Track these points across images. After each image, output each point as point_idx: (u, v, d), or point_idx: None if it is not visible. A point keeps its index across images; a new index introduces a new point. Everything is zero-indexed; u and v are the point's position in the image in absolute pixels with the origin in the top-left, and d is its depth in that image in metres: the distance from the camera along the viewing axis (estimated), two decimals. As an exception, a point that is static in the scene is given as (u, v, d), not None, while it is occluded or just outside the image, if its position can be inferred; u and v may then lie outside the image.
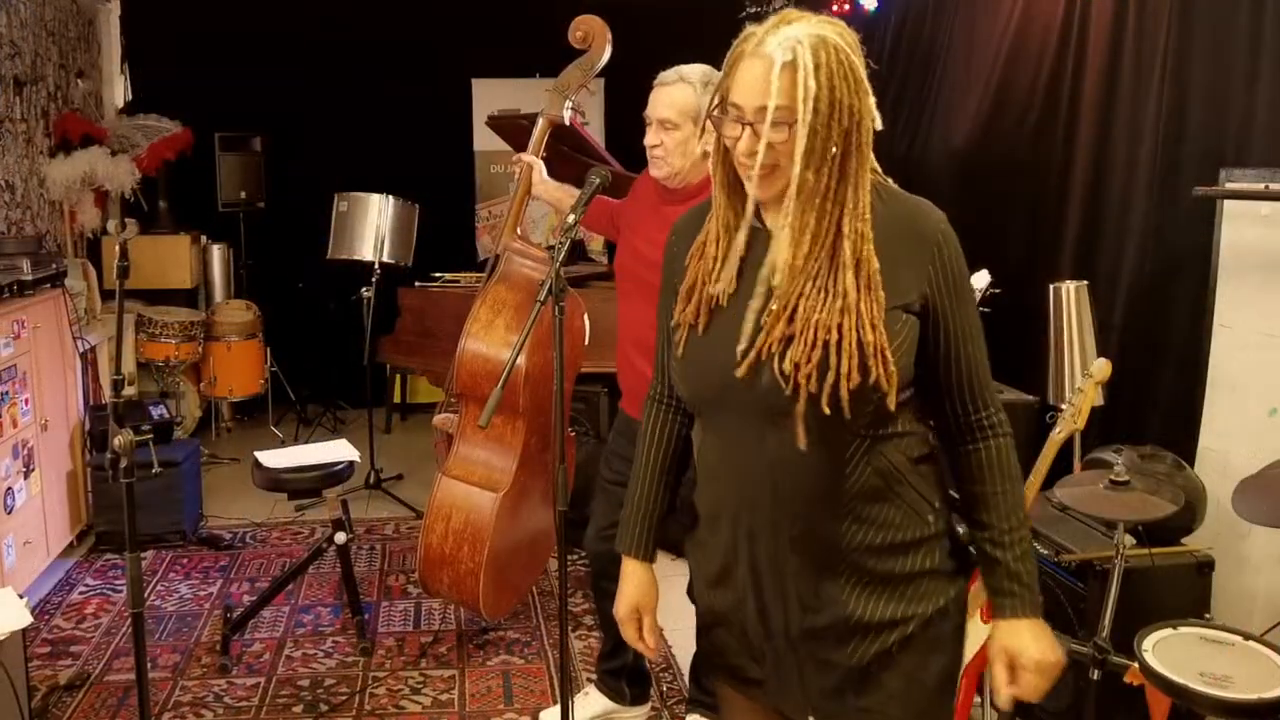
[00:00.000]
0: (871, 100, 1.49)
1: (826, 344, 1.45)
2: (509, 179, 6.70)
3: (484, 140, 6.38)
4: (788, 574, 1.57)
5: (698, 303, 1.58)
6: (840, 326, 1.45)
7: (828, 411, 1.45)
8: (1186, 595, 2.81)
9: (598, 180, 2.65)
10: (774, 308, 1.49)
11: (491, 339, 3.21)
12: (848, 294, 1.46)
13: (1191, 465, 3.05)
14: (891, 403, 1.47)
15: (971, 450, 1.59)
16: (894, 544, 1.55)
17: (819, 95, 1.42)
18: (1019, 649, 1.57)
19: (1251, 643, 2.40)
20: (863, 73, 1.47)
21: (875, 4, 5.27)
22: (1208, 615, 2.82)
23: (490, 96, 6.48)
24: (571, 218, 2.54)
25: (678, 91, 2.61)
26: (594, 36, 3.21)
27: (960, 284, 1.54)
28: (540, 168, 3.19)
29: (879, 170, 1.55)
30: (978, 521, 1.60)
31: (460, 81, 6.67)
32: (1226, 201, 3.01)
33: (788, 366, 1.46)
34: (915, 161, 4.93)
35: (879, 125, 1.50)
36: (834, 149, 1.45)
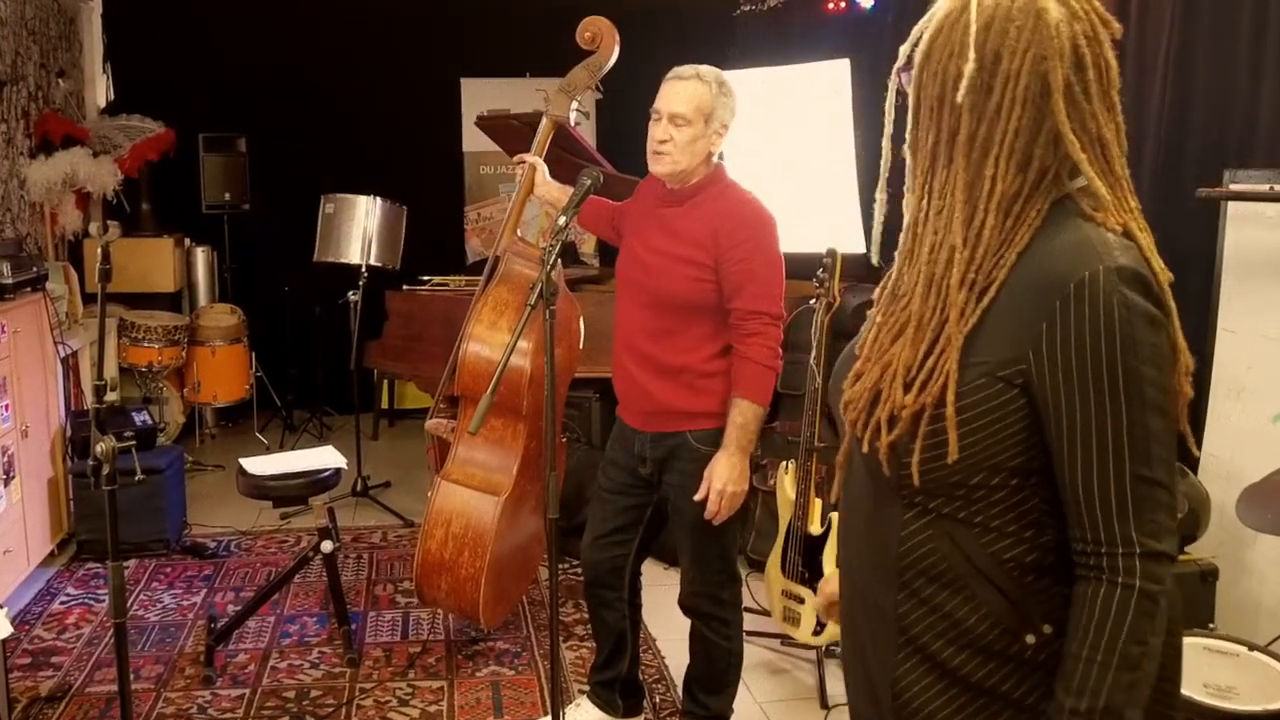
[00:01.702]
0: (970, 64, 1.17)
1: (879, 384, 1.25)
2: (499, 180, 6.70)
3: (473, 141, 6.31)
4: (859, 624, 1.35)
5: (883, 285, 1.34)
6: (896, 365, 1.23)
7: (866, 452, 1.25)
8: (1190, 605, 2.78)
9: (589, 181, 2.61)
10: (873, 332, 1.31)
11: (495, 340, 3.18)
12: (905, 329, 1.23)
13: (1195, 472, 3.02)
14: (914, 476, 1.19)
15: (1078, 588, 1.17)
16: (964, 639, 1.22)
17: (925, 45, 1.22)
18: None
19: (1256, 653, 2.38)
20: (971, 36, 1.18)
21: (872, 3, 5.23)
22: (1211, 625, 2.79)
23: (479, 96, 6.42)
24: (562, 220, 2.50)
25: (694, 87, 2.56)
26: (602, 37, 3.19)
27: (1088, 361, 1.11)
28: (543, 168, 3.16)
29: (1082, 192, 1.21)
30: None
31: (449, 81, 6.60)
32: (1230, 203, 2.98)
33: (848, 396, 1.29)
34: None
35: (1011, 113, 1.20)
36: (929, 133, 1.23)
